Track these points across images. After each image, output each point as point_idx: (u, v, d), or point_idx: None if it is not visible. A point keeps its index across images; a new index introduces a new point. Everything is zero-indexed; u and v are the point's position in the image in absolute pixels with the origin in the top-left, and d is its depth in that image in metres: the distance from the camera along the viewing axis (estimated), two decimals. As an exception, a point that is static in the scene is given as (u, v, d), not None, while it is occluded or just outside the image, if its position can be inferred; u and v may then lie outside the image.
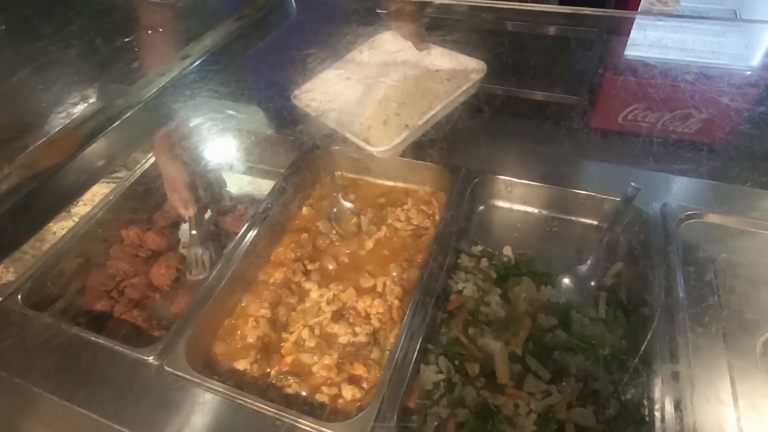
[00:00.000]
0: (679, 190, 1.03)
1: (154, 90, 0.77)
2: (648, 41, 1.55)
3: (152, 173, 1.14)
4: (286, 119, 1.19)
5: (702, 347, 0.76)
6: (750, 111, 1.17)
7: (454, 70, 1.01)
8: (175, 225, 1.12)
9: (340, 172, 1.19)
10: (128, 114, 0.72)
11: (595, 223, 1.04)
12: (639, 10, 2.28)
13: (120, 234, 1.07)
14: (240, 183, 1.23)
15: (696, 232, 0.94)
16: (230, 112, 1.26)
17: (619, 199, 0.91)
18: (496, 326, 0.86)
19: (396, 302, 0.92)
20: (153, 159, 1.15)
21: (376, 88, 1.00)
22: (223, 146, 1.27)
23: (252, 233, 0.99)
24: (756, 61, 1.60)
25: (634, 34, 1.53)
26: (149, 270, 1.00)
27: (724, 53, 1.61)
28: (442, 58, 1.04)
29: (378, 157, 0.90)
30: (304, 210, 1.12)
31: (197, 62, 0.86)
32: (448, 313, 0.88)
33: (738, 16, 2.45)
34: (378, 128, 0.91)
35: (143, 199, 1.14)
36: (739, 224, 0.94)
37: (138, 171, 1.15)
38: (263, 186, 1.20)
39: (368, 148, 0.88)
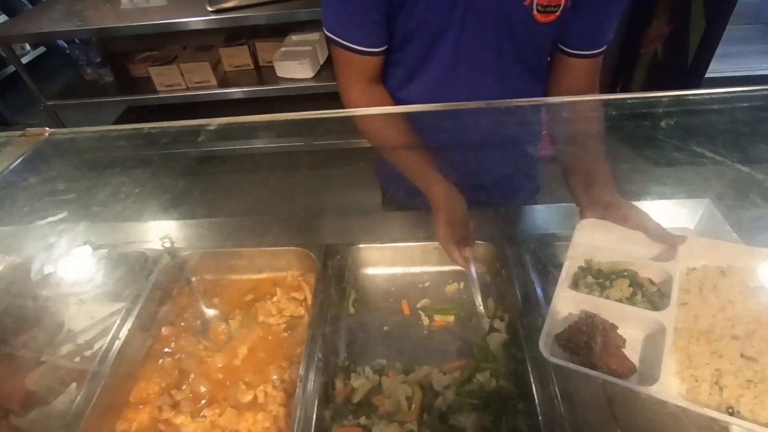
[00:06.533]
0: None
1: None
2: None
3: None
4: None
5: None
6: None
7: None
8: None
9: (198, 277, 1.09)
10: None
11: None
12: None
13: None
14: (82, 316, 1.06)
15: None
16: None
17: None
18: (389, 407, 0.82)
19: (281, 410, 0.84)
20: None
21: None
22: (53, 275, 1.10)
23: (102, 379, 0.85)
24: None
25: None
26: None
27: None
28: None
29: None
30: (164, 330, 1.00)
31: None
32: (337, 407, 0.83)
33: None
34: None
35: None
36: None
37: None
38: (109, 313, 1.06)
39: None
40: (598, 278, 0.83)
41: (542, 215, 1.10)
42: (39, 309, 0.99)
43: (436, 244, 1.03)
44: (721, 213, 1.01)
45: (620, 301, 0.79)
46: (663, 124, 0.86)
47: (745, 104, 0.80)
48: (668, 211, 1.08)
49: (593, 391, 0.77)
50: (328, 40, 0.95)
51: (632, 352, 0.74)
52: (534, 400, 0.76)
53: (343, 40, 0.92)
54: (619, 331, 0.76)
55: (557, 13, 0.85)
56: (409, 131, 0.98)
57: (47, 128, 0.86)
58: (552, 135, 1.09)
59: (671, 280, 0.79)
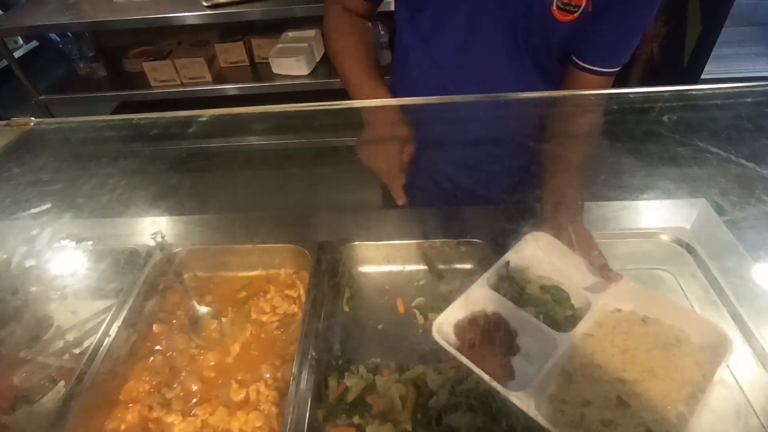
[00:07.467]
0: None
1: None
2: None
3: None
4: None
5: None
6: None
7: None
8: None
9: (190, 273, 1.07)
10: None
11: (468, 266, 1.04)
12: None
13: None
14: (71, 313, 1.04)
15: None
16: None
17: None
18: (383, 406, 0.81)
19: (273, 409, 0.83)
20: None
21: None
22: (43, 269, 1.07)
23: (91, 377, 0.83)
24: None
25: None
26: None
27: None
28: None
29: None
30: (155, 328, 0.98)
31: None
32: (330, 406, 0.81)
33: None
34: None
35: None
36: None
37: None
38: (99, 310, 1.04)
39: None
40: (519, 284, 0.87)
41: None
42: (26, 305, 0.97)
43: (432, 242, 1.03)
44: (719, 210, 1.01)
45: (532, 309, 0.82)
46: (665, 119, 0.85)
47: (747, 100, 0.79)
48: (664, 210, 1.07)
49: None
50: None
51: (523, 363, 0.77)
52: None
53: None
54: (519, 340, 0.80)
55: (576, 14, 0.84)
56: (374, 64, 1.02)
57: (32, 118, 0.84)
58: (541, 132, 1.08)
59: (589, 311, 0.80)
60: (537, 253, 0.89)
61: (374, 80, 1.01)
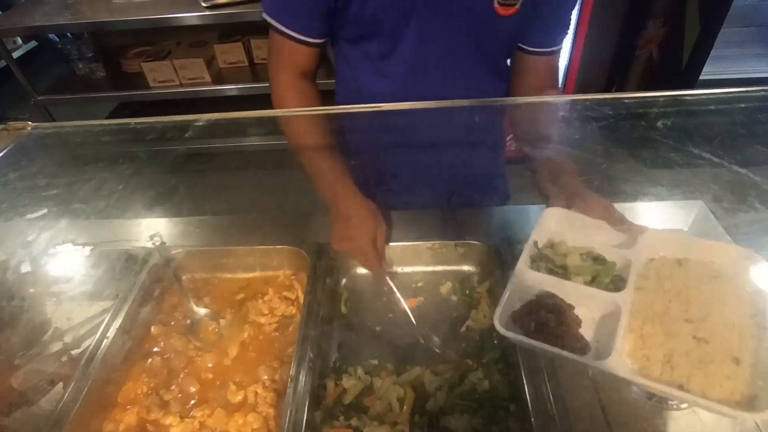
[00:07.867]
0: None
1: None
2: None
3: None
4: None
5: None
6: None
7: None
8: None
9: (188, 275, 1.08)
10: None
11: (466, 267, 1.05)
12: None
13: None
14: (69, 315, 1.04)
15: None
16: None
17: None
18: (380, 408, 0.81)
19: (271, 411, 0.83)
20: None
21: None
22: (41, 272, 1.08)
23: (89, 379, 0.84)
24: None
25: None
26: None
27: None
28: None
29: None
30: (153, 329, 0.98)
31: None
32: (328, 408, 0.82)
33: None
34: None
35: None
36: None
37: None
38: (97, 312, 1.04)
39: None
40: (558, 259, 0.86)
41: (537, 215, 1.09)
42: (25, 308, 0.97)
43: (429, 243, 1.03)
44: (714, 215, 1.01)
45: (578, 277, 0.82)
46: (660, 124, 0.86)
47: (741, 105, 0.80)
48: (662, 212, 1.07)
49: (587, 395, 0.77)
50: (268, 25, 0.94)
51: (588, 332, 0.76)
52: (526, 402, 0.75)
53: (283, 26, 0.92)
54: (576, 311, 0.79)
55: (516, 6, 0.87)
56: (331, 138, 1.01)
57: (29, 122, 0.84)
58: (520, 131, 1.10)
59: (630, 267, 0.81)
60: (561, 226, 0.90)
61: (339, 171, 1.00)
